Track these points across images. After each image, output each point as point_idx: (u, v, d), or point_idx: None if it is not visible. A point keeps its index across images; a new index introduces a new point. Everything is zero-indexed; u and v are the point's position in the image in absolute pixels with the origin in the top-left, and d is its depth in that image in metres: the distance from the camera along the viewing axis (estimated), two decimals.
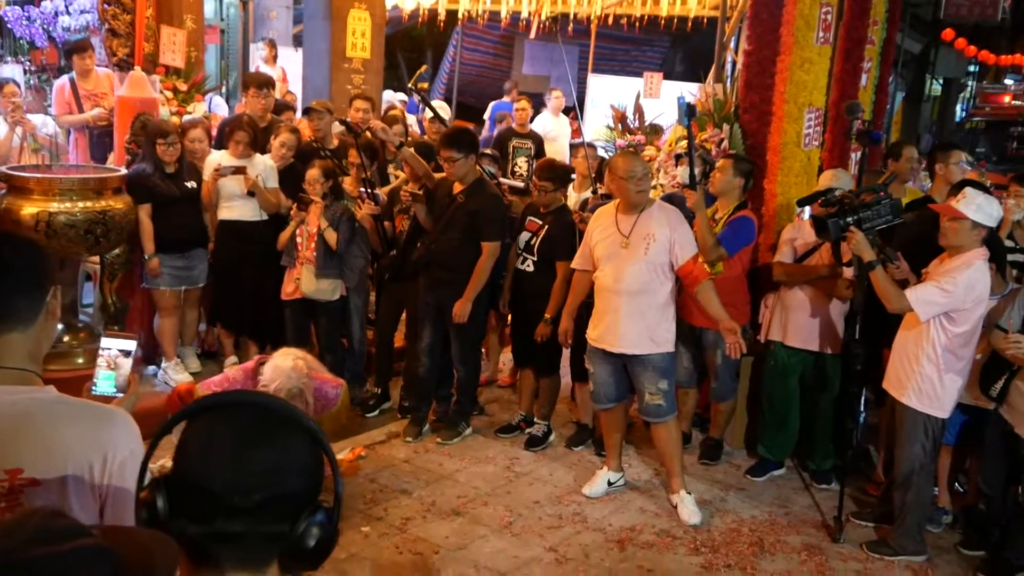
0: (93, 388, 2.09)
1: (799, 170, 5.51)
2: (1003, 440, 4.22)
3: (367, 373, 5.87)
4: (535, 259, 5.25)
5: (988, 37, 16.78)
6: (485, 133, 9.99)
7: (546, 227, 5.23)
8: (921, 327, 4.14)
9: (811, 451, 5.20)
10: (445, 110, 8.21)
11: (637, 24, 12.09)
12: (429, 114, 7.15)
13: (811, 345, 5.00)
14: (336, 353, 5.53)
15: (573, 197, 6.06)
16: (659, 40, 15.42)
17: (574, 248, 4.98)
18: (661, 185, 6.28)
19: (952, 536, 4.62)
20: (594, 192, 5.84)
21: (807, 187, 5.43)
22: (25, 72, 8.97)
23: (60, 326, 5.22)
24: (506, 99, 10.82)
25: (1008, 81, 21.43)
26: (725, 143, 5.81)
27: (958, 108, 21.91)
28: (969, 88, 22.03)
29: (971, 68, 20.85)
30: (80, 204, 4.91)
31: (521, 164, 8.55)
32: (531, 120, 9.34)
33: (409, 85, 6.84)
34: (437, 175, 5.27)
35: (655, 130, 7.61)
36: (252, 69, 9.51)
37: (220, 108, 7.25)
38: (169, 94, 6.19)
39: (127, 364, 2.09)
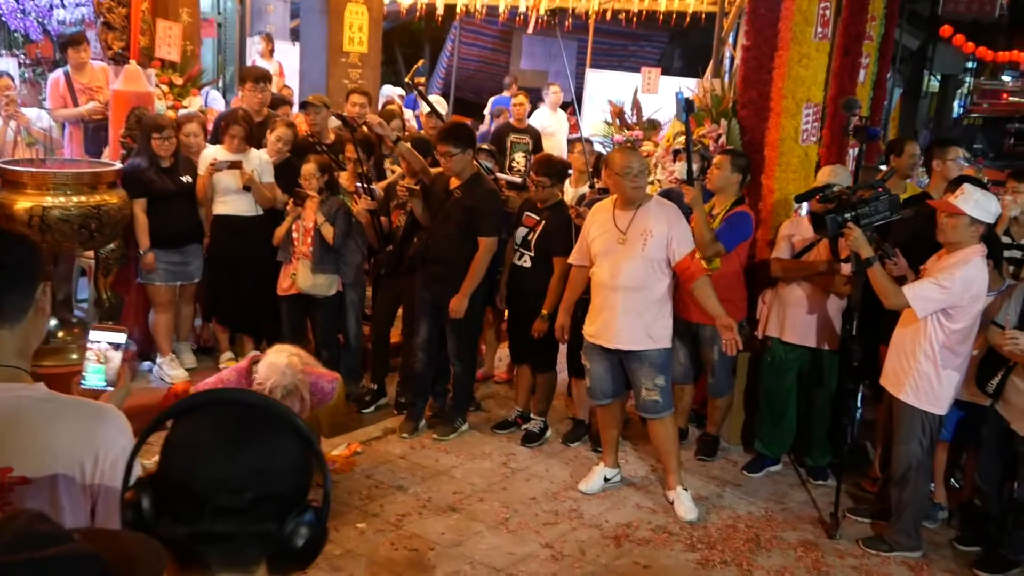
0: (82, 382, 2.07)
1: (797, 166, 5.50)
2: (999, 436, 4.22)
3: (363, 369, 5.86)
4: (532, 255, 5.24)
5: (986, 33, 16.76)
6: (484, 128, 9.97)
7: (543, 223, 5.21)
8: (919, 324, 4.13)
9: (808, 447, 5.19)
10: (442, 105, 8.20)
11: (635, 19, 12.05)
12: (426, 109, 7.13)
13: (808, 341, 5.00)
14: (332, 349, 5.51)
15: (570, 192, 6.05)
16: (657, 35, 15.39)
17: (571, 244, 4.97)
18: (658, 181, 6.27)
19: (948, 532, 4.62)
20: (591, 187, 5.83)
21: (805, 183, 5.42)
22: (20, 65, 8.91)
23: (54, 321, 5.20)
24: (506, 94, 10.81)
25: (1005, 78, 21.42)
26: (723, 139, 5.80)
27: (956, 104, 21.90)
28: (967, 84, 22.02)
29: (969, 64, 20.83)
30: (74, 199, 4.88)
31: (519, 159, 8.53)
32: (529, 115, 9.31)
33: (406, 80, 6.83)
34: (434, 170, 5.26)
35: (653, 125, 7.60)
36: (249, 63, 9.47)
37: (216, 102, 7.23)
38: (165, 88, 6.17)
39: (117, 357, 2.07)
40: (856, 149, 5.67)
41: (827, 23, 5.47)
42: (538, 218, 5.24)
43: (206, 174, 5.42)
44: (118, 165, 5.33)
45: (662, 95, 8.75)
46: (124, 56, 5.88)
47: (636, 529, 4.45)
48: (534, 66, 15.05)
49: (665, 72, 10.93)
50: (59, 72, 6.54)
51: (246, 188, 5.46)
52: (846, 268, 4.68)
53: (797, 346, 5.02)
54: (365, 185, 5.53)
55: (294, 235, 5.35)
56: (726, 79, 6.29)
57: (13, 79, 6.74)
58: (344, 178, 5.67)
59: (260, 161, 5.58)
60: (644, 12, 11.81)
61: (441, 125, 5.92)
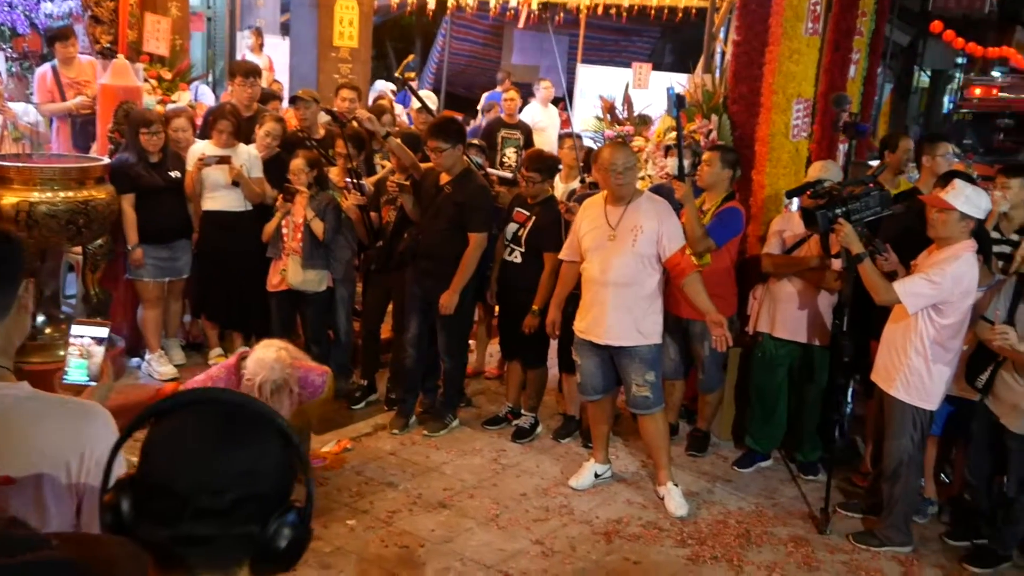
0: (64, 377, 2.05)
1: (787, 161, 5.50)
2: (989, 431, 4.24)
3: (353, 365, 5.84)
4: (523, 250, 5.22)
5: (976, 29, 16.79)
6: (476, 124, 9.94)
7: (534, 218, 5.20)
8: (909, 319, 4.13)
9: (798, 443, 5.20)
10: (432, 100, 8.16)
11: (626, 14, 12.05)
12: (417, 105, 7.10)
13: (799, 337, 5.00)
14: (322, 345, 5.49)
15: (560, 188, 6.03)
16: (648, 30, 15.38)
17: (561, 239, 4.95)
18: (649, 176, 6.26)
19: (937, 527, 4.63)
20: (582, 182, 5.82)
21: (795, 178, 5.42)
22: (7, 60, 8.85)
23: (42, 318, 5.17)
24: (499, 89, 10.78)
25: (995, 73, 21.47)
26: (714, 134, 5.79)
27: (946, 100, 21.95)
28: (957, 80, 22.06)
29: (959, 60, 20.87)
30: (62, 194, 4.84)
31: (510, 155, 8.50)
32: (520, 110, 9.29)
33: (396, 74, 6.80)
34: (424, 165, 5.24)
35: (644, 121, 7.59)
36: (238, 58, 9.42)
37: (206, 97, 7.19)
38: (154, 83, 6.14)
39: (99, 352, 2.05)
40: (846, 145, 5.68)
41: (818, 19, 5.46)
42: (528, 214, 5.23)
43: (194, 169, 5.39)
44: (106, 160, 5.30)
45: (653, 90, 8.74)
46: (112, 50, 5.84)
47: (626, 525, 4.45)
48: (525, 61, 15.02)
49: (656, 67, 10.94)
50: (46, 66, 6.50)
51: (235, 183, 5.43)
52: (837, 264, 4.68)
53: (788, 342, 5.02)
54: (355, 180, 5.50)
55: (284, 231, 5.32)
56: (717, 74, 6.28)
57: (0, 73, 6.69)
58: (334, 173, 5.65)
59: (249, 156, 5.56)
60: (635, 7, 11.82)
61: (431, 120, 5.90)
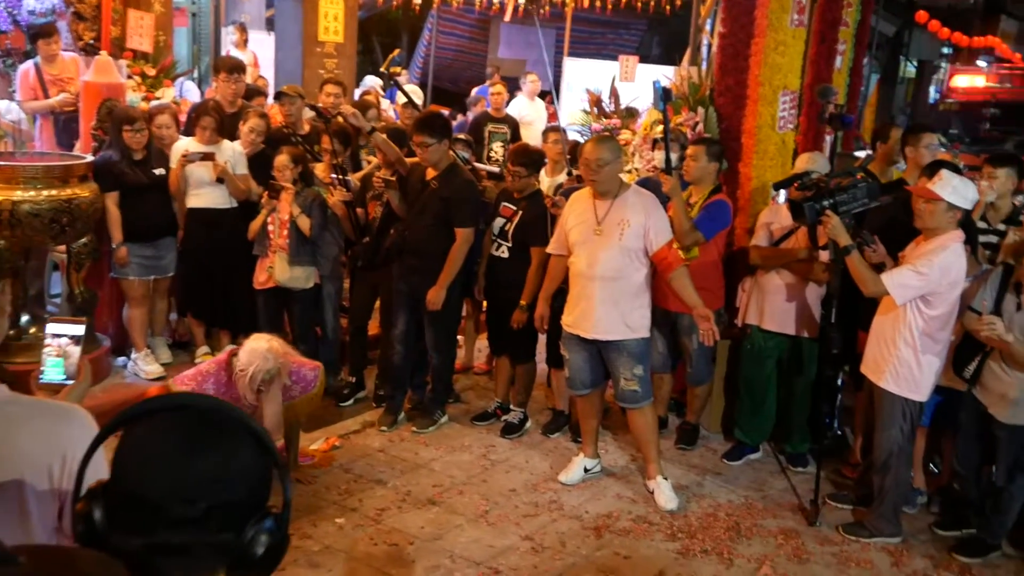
0: (41, 376, 2.02)
1: (774, 153, 5.50)
2: (977, 421, 4.25)
3: (341, 362, 5.81)
4: (510, 245, 5.20)
5: (961, 19, 16.84)
6: (463, 119, 9.91)
7: (520, 212, 5.18)
8: (898, 311, 4.13)
9: (788, 434, 5.20)
10: (418, 95, 8.13)
11: (612, 7, 12.03)
12: (402, 99, 7.07)
13: (788, 329, 5.00)
14: (310, 342, 5.46)
15: (546, 182, 6.01)
16: (635, 23, 15.37)
17: (548, 233, 4.94)
18: (636, 169, 6.25)
19: (927, 517, 4.64)
20: (569, 175, 5.80)
21: (782, 170, 5.42)
22: None
23: (26, 317, 5.13)
24: (488, 84, 10.74)
25: (981, 63, 21.53)
26: (700, 127, 5.78)
27: (932, 90, 22.00)
28: (943, 70, 22.12)
29: (945, 50, 20.92)
30: (45, 192, 4.79)
31: (497, 149, 8.48)
32: (506, 104, 9.26)
33: (382, 69, 6.77)
34: (410, 160, 5.21)
35: (631, 114, 7.58)
36: (223, 53, 9.36)
37: (191, 93, 7.13)
38: (137, 79, 6.08)
39: (76, 351, 2.02)
40: (832, 136, 5.68)
41: (803, 10, 5.46)
42: (515, 208, 5.21)
43: (178, 166, 5.35)
44: (89, 158, 5.25)
45: (640, 83, 8.74)
46: (95, 47, 5.78)
47: (616, 520, 4.44)
48: (512, 55, 14.99)
49: (643, 60, 10.93)
50: (29, 63, 6.44)
51: (219, 180, 5.39)
52: (824, 255, 4.68)
53: (776, 334, 5.02)
54: (340, 176, 5.47)
55: (269, 228, 5.29)
56: (703, 67, 6.26)
57: None
58: (320, 169, 5.62)
59: (233, 152, 5.52)
60: (622, 0, 11.79)
61: (417, 115, 5.87)
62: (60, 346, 2.02)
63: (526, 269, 5.09)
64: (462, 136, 6.60)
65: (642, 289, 4.54)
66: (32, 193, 4.76)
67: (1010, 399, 4.07)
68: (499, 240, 5.25)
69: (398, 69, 11.08)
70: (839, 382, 5.30)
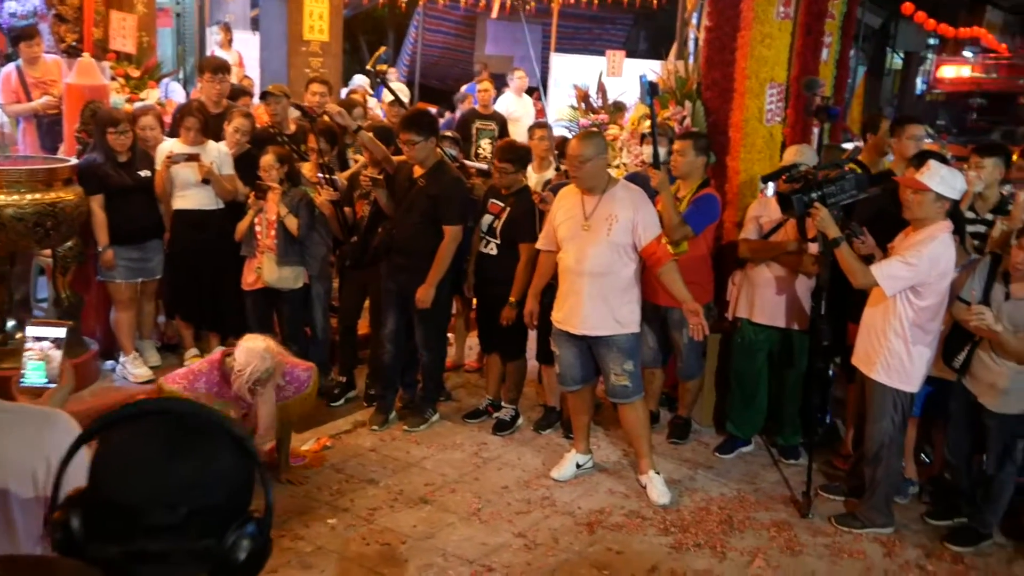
0: (22, 380, 2.00)
1: (762, 146, 5.50)
2: (967, 411, 4.25)
3: (331, 362, 5.79)
4: (498, 242, 5.18)
5: (947, 10, 16.88)
6: (450, 116, 9.89)
7: (508, 209, 5.16)
8: (888, 302, 4.13)
9: (779, 427, 5.21)
10: (404, 93, 8.10)
11: (598, 2, 12.02)
12: (389, 97, 7.04)
13: (778, 322, 5.00)
14: (300, 342, 5.44)
15: (533, 178, 6.00)
16: (622, 18, 15.37)
17: (537, 230, 4.93)
18: (624, 164, 6.24)
19: (918, 507, 4.65)
20: (557, 170, 5.78)
21: (770, 163, 5.42)
22: None
23: (12, 322, 5.09)
24: (476, 81, 10.73)
25: (967, 54, 21.61)
26: (687, 121, 5.77)
27: (919, 81, 22.08)
28: (929, 61, 22.20)
29: (931, 41, 20.99)
30: (28, 196, 4.76)
31: (485, 146, 8.45)
32: (494, 101, 9.24)
33: (367, 67, 6.74)
34: (397, 159, 5.19)
35: (618, 108, 7.57)
36: (208, 54, 9.31)
37: (176, 94, 7.09)
38: (121, 80, 6.04)
39: (58, 354, 2.00)
40: (819, 128, 5.68)
41: (789, 2, 5.45)
42: (503, 205, 5.19)
43: (163, 168, 5.31)
44: (73, 161, 5.21)
45: (627, 78, 8.72)
46: (77, 49, 5.74)
47: (609, 515, 4.44)
48: (499, 51, 14.97)
49: (630, 55, 10.91)
50: (11, 66, 6.39)
51: (205, 181, 5.36)
52: (814, 248, 4.68)
53: (767, 327, 5.02)
54: (327, 176, 5.45)
55: (257, 228, 5.26)
56: (690, 61, 6.25)
57: None
58: (306, 169, 5.59)
59: (219, 153, 5.48)
60: None
61: (403, 113, 5.84)
62: (41, 349, 1.99)
63: (515, 266, 5.07)
64: (449, 133, 6.58)
65: (631, 284, 4.53)
66: (16, 197, 4.73)
67: (999, 388, 4.08)
68: (487, 237, 5.23)
69: (385, 67, 11.04)
70: (830, 374, 5.31)
